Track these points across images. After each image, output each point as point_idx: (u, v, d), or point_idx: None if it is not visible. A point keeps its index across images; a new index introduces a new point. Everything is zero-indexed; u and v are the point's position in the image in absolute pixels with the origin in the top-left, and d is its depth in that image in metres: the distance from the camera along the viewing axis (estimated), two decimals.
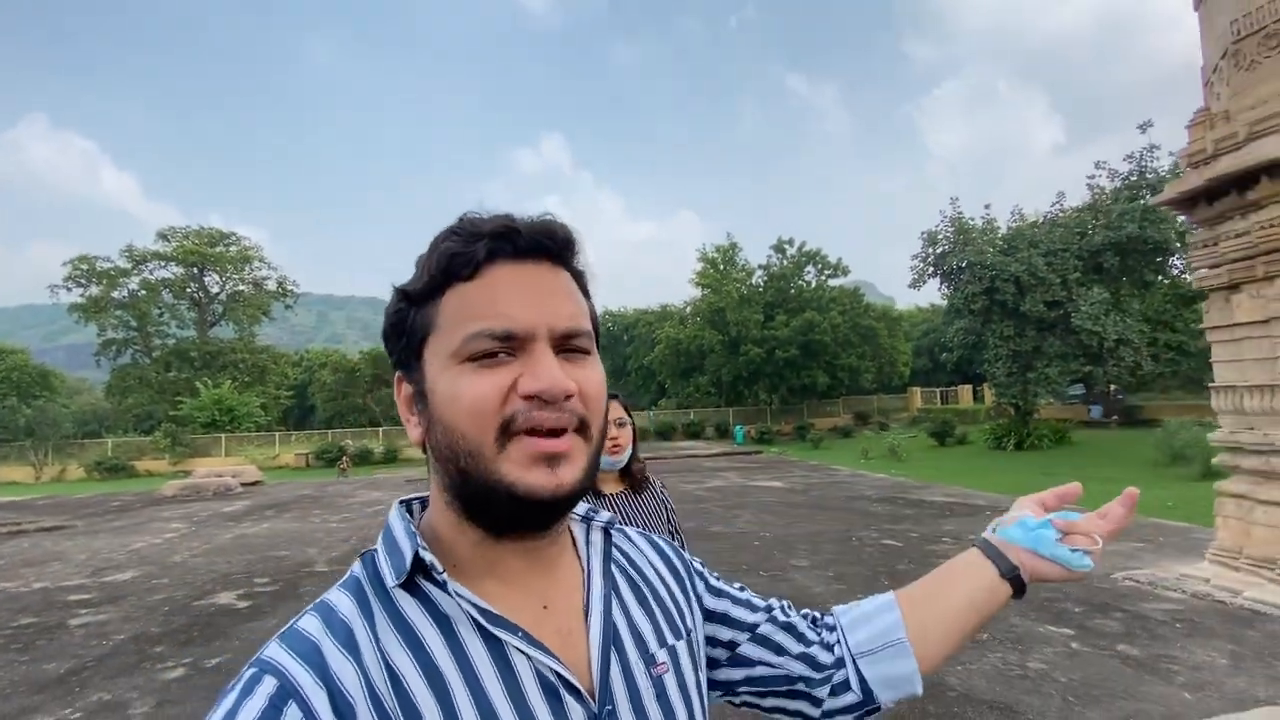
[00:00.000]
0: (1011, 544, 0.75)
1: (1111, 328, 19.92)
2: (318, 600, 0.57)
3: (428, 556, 0.55)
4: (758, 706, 0.76)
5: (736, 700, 0.76)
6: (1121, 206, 21.68)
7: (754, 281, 36.77)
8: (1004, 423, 24.00)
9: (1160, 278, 24.23)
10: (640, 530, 0.78)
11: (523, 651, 0.55)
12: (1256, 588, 5.41)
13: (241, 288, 43.53)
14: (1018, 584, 0.74)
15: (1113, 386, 28.88)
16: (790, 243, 36.27)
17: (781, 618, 0.77)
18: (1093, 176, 24.34)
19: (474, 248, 0.56)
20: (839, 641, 0.76)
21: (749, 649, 0.74)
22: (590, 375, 0.58)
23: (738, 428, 33.76)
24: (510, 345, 0.55)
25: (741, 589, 0.79)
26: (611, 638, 0.62)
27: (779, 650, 0.74)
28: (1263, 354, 5.59)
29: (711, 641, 0.74)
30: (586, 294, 0.63)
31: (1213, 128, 5.88)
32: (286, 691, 0.48)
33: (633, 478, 2.25)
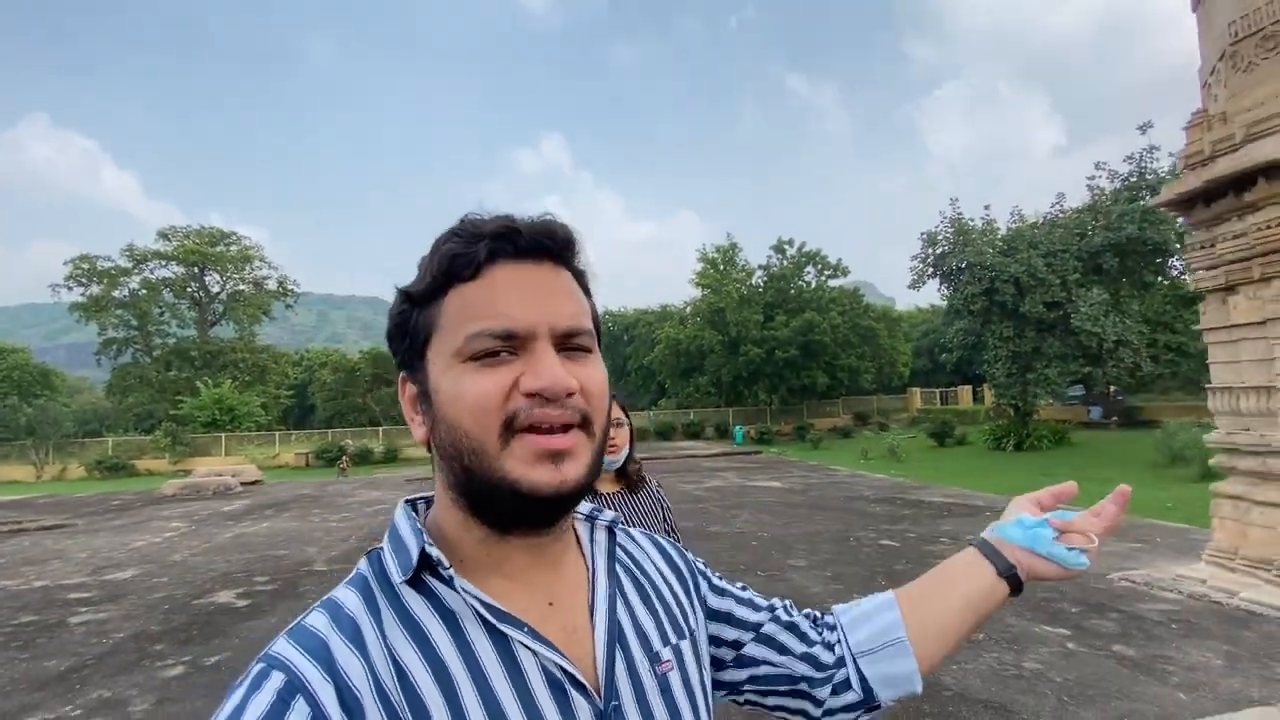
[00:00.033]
0: (1008, 543, 0.76)
1: (1111, 329, 19.92)
2: (325, 597, 0.57)
3: (434, 552, 0.55)
4: (761, 705, 0.77)
5: (740, 700, 0.77)
6: (1121, 208, 21.67)
7: (754, 282, 36.75)
8: (1003, 423, 23.97)
9: (1160, 279, 24.21)
10: (643, 530, 0.78)
11: (529, 647, 0.56)
12: (1252, 589, 5.42)
13: (242, 287, 43.52)
14: (1015, 583, 0.75)
15: (1112, 387, 28.89)
16: (790, 243, 36.24)
17: (785, 617, 0.77)
18: (1093, 177, 24.35)
19: (475, 248, 0.57)
20: (839, 641, 0.76)
21: (753, 649, 0.74)
22: (592, 373, 0.58)
23: (737, 428, 33.76)
24: (512, 344, 0.55)
25: (744, 588, 0.79)
26: (616, 635, 0.62)
27: (783, 650, 0.75)
28: (1259, 355, 5.61)
29: (716, 641, 0.74)
30: (588, 293, 0.63)
31: (1210, 129, 5.89)
32: (294, 686, 0.49)
33: (629, 478, 2.27)
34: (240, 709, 0.47)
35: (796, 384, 34.83)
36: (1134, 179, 23.06)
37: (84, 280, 39.25)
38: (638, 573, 0.70)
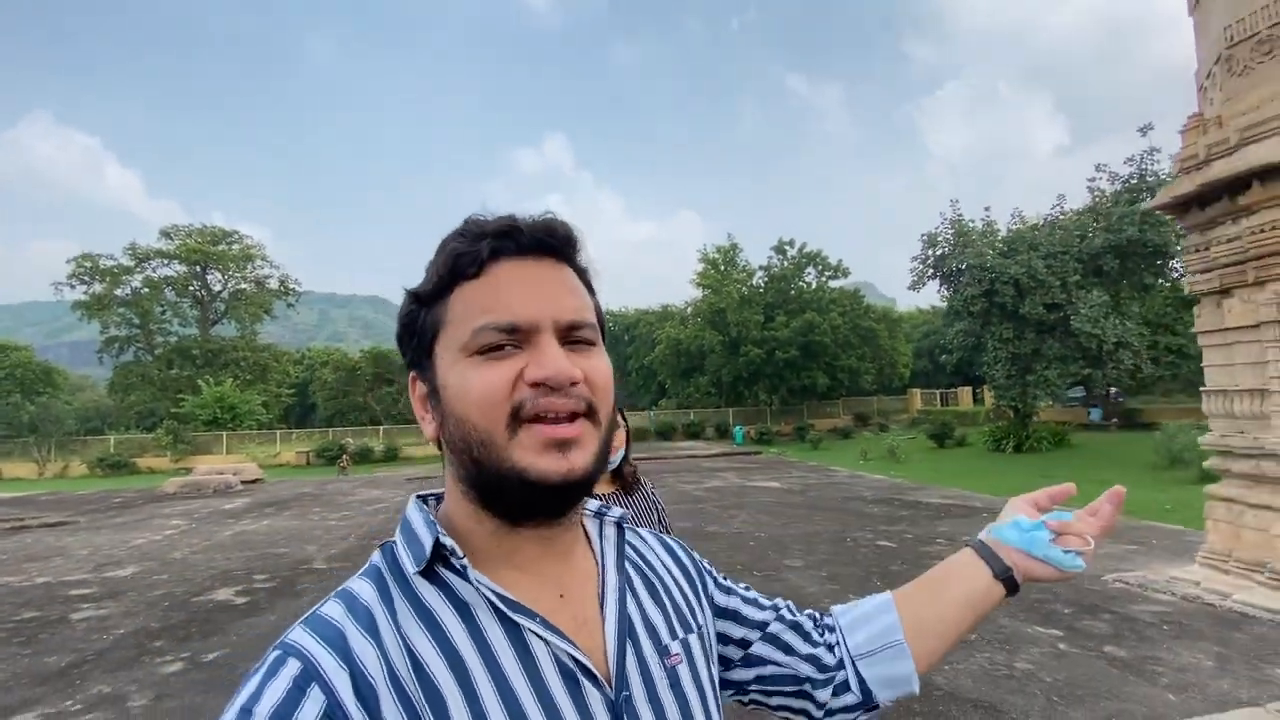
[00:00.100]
0: (1004, 545, 0.77)
1: (1111, 330, 19.92)
2: (339, 588, 0.58)
3: (448, 542, 0.56)
4: (765, 705, 0.78)
5: (745, 700, 0.78)
6: (1121, 209, 21.67)
7: (754, 282, 36.78)
8: (1003, 425, 23.99)
9: (1160, 281, 24.21)
10: (651, 530, 0.80)
11: (541, 637, 0.56)
12: (1245, 591, 5.45)
13: (244, 286, 43.62)
14: (1011, 584, 0.75)
15: (1112, 389, 28.89)
16: (791, 244, 36.28)
17: (789, 617, 0.78)
18: (1093, 179, 24.36)
19: (478, 246, 0.58)
20: (839, 643, 0.77)
21: (761, 648, 0.76)
22: (597, 364, 0.59)
23: (737, 428, 33.78)
24: (516, 337, 0.56)
25: (747, 588, 0.81)
26: (627, 628, 0.62)
27: (788, 650, 0.76)
28: (1253, 358, 5.63)
29: (723, 639, 0.75)
30: (591, 290, 0.64)
31: (1205, 133, 5.92)
32: (310, 674, 0.49)
33: (624, 479, 2.30)
34: (256, 695, 0.48)
35: (797, 384, 34.86)
36: (1134, 181, 23.06)
37: (86, 278, 39.38)
38: (646, 569, 0.71)
